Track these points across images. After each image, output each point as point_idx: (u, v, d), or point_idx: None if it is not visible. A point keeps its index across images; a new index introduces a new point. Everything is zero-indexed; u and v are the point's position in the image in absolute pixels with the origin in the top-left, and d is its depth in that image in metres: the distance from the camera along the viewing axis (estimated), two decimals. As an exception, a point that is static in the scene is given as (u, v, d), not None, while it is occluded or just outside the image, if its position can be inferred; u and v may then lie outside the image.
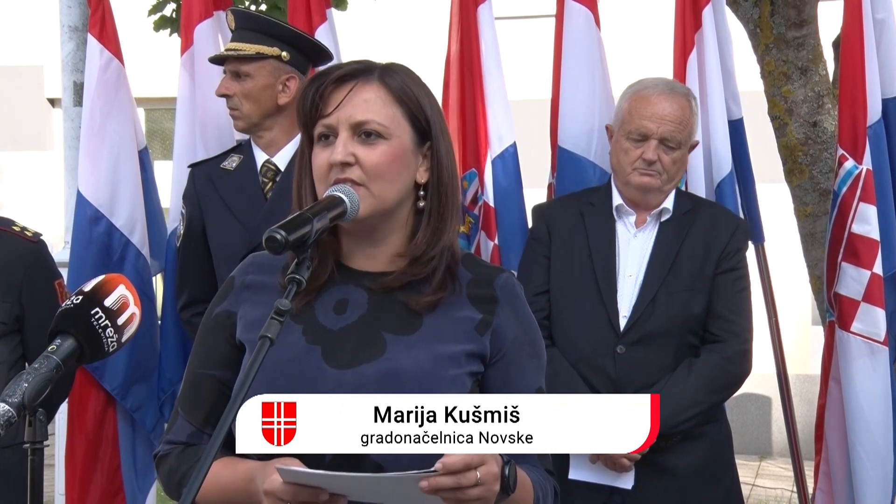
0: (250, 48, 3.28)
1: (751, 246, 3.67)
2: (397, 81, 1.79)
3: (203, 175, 3.41)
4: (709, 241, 3.10)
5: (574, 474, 3.00)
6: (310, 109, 1.77)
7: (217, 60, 3.41)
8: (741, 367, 3.07)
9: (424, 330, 1.79)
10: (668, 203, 3.15)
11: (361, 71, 1.79)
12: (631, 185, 3.11)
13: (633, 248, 3.13)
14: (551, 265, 3.15)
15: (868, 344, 3.34)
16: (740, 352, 3.06)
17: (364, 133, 1.75)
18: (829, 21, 4.08)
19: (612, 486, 3.00)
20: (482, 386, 1.82)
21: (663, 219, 3.14)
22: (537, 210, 3.33)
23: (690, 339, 3.07)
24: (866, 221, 3.35)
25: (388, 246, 1.82)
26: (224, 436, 1.48)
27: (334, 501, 1.60)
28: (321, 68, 1.81)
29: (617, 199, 3.17)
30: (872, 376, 3.34)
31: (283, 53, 3.30)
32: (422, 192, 1.82)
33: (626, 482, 2.99)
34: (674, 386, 2.97)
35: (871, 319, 3.33)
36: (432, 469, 1.55)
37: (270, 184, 3.32)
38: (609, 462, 2.97)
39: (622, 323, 3.05)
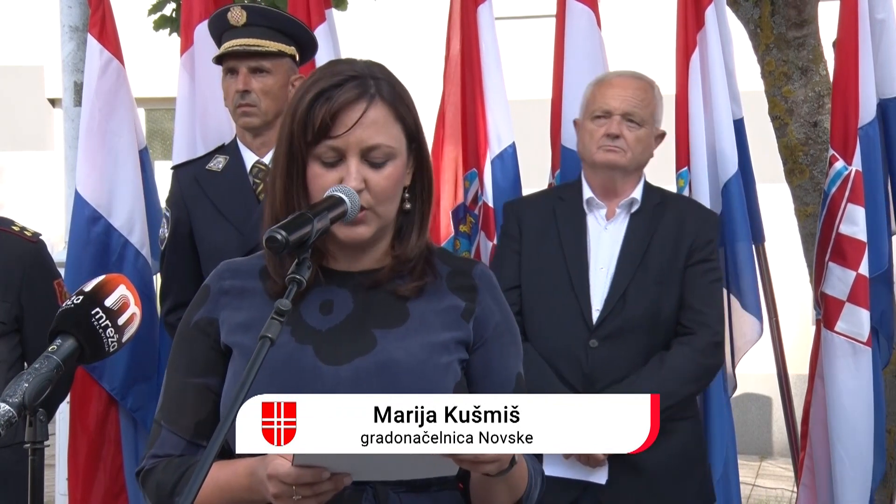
0: (272, 45, 3.24)
1: (751, 246, 3.68)
2: (392, 93, 1.77)
3: (188, 177, 3.35)
4: (679, 233, 3.12)
5: (548, 470, 2.99)
6: (320, 128, 1.73)
7: (231, 56, 3.30)
8: (713, 358, 3.10)
9: (412, 322, 1.80)
10: (637, 193, 3.17)
11: (365, 90, 1.75)
12: (597, 164, 3.13)
13: (604, 240, 3.15)
14: (522, 260, 3.16)
15: (851, 344, 3.37)
16: (712, 343, 3.08)
17: (373, 156, 1.75)
18: (829, 21, 4.07)
19: (585, 481, 3.01)
20: (465, 373, 1.84)
21: (633, 210, 3.16)
22: (508, 207, 3.34)
23: (663, 333, 3.08)
24: (854, 222, 3.37)
25: (374, 250, 1.83)
26: (223, 438, 1.48)
27: (338, 481, 1.60)
28: (322, 80, 1.76)
29: (587, 193, 3.19)
30: (855, 376, 3.37)
31: (297, 54, 3.29)
32: (406, 195, 1.82)
33: (600, 477, 3.00)
34: (646, 379, 2.98)
35: (855, 320, 3.36)
36: None
37: (262, 185, 3.28)
38: (583, 458, 2.98)
39: (595, 317, 3.07)
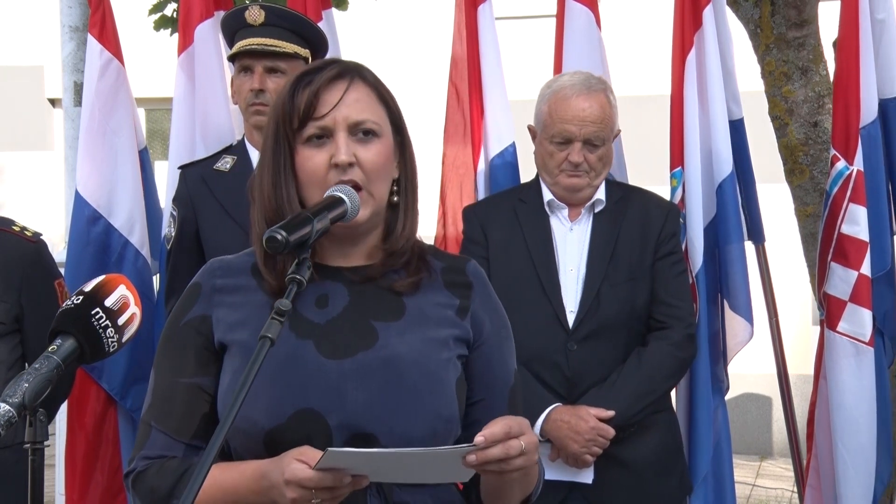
0: (289, 46, 3.26)
1: (751, 246, 3.69)
2: (373, 78, 1.82)
3: (195, 176, 3.36)
4: (644, 228, 3.13)
5: None
6: (304, 110, 1.76)
7: (246, 54, 3.30)
8: (688, 351, 3.14)
9: (409, 316, 1.80)
10: (601, 194, 3.16)
11: (346, 70, 1.80)
12: (560, 186, 3.13)
13: (571, 242, 3.15)
14: (490, 266, 3.13)
15: (854, 344, 3.37)
16: (686, 336, 3.12)
17: (362, 132, 1.77)
18: (829, 21, 4.08)
19: (571, 481, 3.02)
20: (465, 369, 1.84)
21: (597, 210, 3.16)
22: (469, 211, 3.32)
23: (639, 329, 3.10)
24: (855, 222, 3.37)
25: (365, 244, 1.84)
26: (223, 438, 1.47)
27: (356, 483, 1.59)
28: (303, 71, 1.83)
29: (548, 195, 3.17)
30: (857, 376, 3.37)
31: (310, 57, 3.30)
32: (395, 188, 1.84)
33: (587, 477, 3.02)
34: (627, 377, 3.01)
35: (858, 320, 3.36)
36: (473, 444, 1.56)
37: None
38: (571, 459, 2.99)
39: (570, 319, 3.06)
